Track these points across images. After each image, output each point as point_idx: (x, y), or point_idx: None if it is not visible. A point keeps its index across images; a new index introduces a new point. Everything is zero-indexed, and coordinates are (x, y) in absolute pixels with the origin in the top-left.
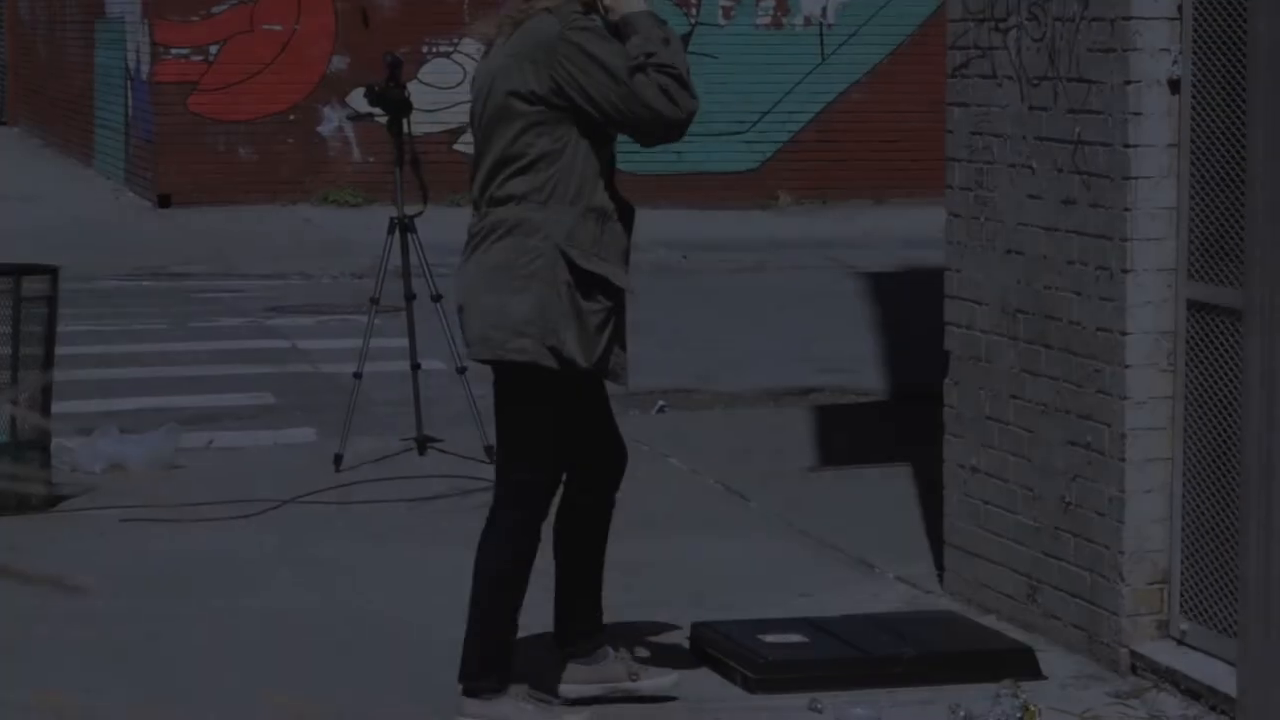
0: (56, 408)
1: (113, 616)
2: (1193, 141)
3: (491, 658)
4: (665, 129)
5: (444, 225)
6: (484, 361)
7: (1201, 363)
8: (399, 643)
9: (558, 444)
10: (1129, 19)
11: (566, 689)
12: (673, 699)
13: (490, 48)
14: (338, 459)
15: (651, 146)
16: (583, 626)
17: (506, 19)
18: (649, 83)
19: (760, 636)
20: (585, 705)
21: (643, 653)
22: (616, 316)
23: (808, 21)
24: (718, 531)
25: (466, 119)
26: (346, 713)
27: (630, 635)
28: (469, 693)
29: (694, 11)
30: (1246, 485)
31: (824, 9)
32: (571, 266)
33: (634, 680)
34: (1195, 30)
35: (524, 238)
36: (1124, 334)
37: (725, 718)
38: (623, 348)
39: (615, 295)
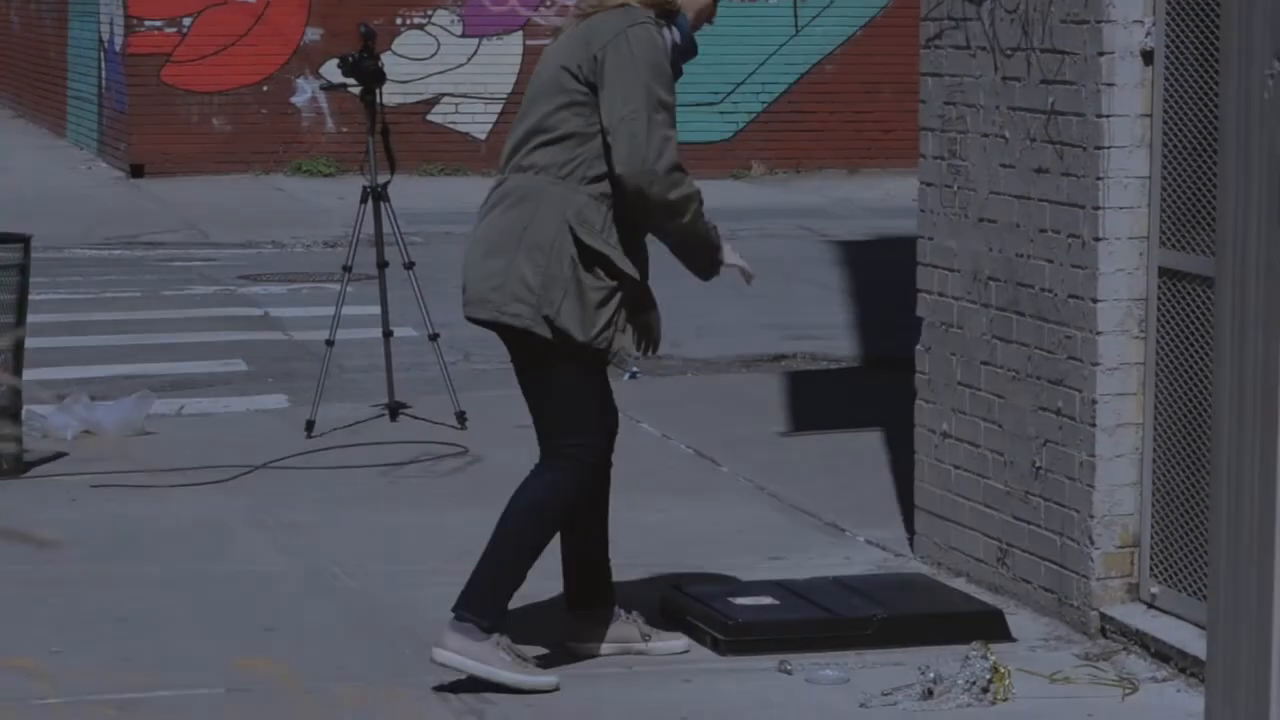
0: (28, 375)
1: (83, 580)
2: (1165, 111)
3: (493, 598)
4: (632, 174)
5: (417, 195)
6: (478, 321)
7: (1173, 329)
8: (370, 607)
9: (598, 404)
10: None
11: (581, 648)
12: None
13: (559, 33)
14: (309, 425)
15: (615, 174)
16: (596, 588)
17: (580, 10)
18: (665, 142)
19: (730, 599)
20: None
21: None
22: (625, 303)
23: None
24: (689, 496)
25: (439, 90)
26: (317, 676)
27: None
28: (458, 619)
29: None
30: (1217, 450)
31: None
32: (577, 241)
33: (646, 642)
34: (1169, 1)
35: (535, 207)
36: (1095, 301)
37: (696, 680)
38: (632, 334)
39: (621, 279)
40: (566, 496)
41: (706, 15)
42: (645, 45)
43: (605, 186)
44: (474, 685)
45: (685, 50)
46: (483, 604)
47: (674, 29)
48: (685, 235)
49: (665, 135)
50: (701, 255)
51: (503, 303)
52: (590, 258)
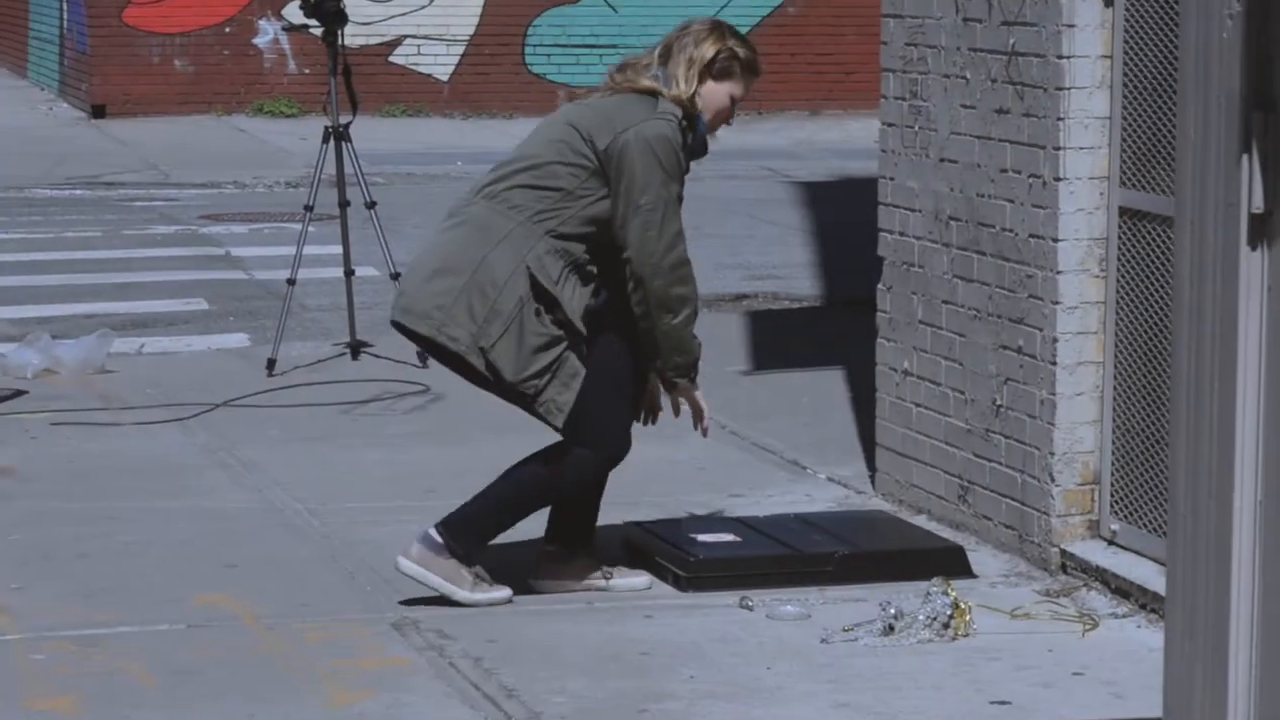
0: None
1: (43, 516)
2: (1126, 52)
3: (476, 533)
4: (641, 262)
5: (379, 136)
6: (408, 333)
7: (1133, 268)
8: (331, 544)
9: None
10: None
11: (544, 585)
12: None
13: (584, 97)
14: (270, 363)
15: (625, 258)
16: (581, 532)
17: (614, 84)
18: (677, 238)
19: (692, 536)
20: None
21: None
22: (566, 353)
23: None
24: (650, 434)
25: (402, 32)
26: (279, 612)
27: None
28: (436, 534)
29: None
30: (1176, 388)
31: None
32: (533, 283)
33: (608, 579)
34: None
35: (497, 240)
36: (1056, 240)
37: (657, 616)
38: (572, 391)
39: (567, 330)
40: (582, 477)
41: (725, 117)
42: (666, 142)
43: (570, 246)
44: (436, 622)
45: (696, 150)
46: (463, 532)
47: (693, 131)
48: (671, 332)
49: (677, 230)
50: (676, 356)
51: (444, 323)
52: (541, 301)
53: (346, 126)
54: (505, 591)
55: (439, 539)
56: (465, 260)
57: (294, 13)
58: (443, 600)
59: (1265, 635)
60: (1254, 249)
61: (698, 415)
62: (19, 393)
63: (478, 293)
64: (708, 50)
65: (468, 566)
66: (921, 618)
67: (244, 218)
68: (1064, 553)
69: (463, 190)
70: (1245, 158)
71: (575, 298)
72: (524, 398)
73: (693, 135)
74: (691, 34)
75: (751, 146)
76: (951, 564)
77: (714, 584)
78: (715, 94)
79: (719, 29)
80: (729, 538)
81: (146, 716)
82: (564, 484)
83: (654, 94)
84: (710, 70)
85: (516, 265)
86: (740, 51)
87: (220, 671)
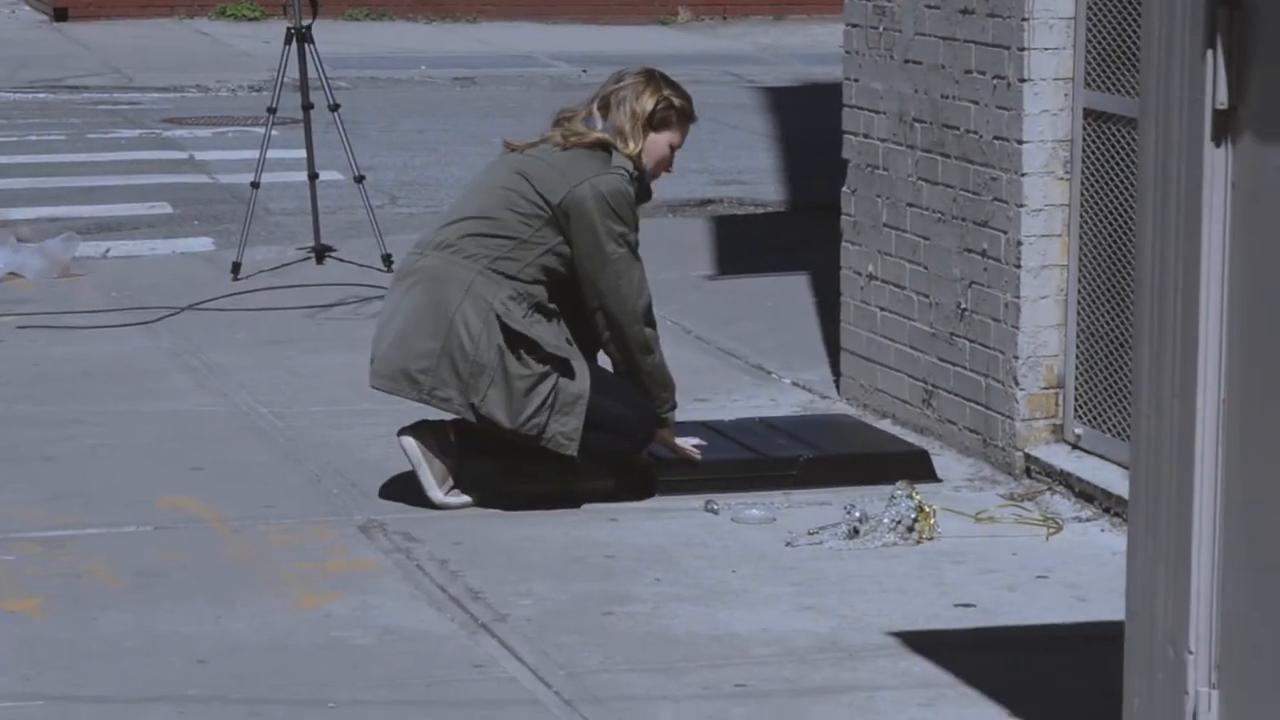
0: None
1: (9, 420)
2: None
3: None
4: (618, 311)
5: (342, 40)
6: (395, 393)
7: (1097, 170)
8: (297, 447)
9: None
10: None
11: (516, 487)
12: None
13: (525, 147)
14: (235, 267)
15: (600, 307)
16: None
17: (562, 140)
18: (643, 283)
19: None
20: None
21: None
22: (558, 384)
23: None
24: None
25: None
26: (245, 515)
27: None
28: (448, 425)
29: None
30: (1140, 287)
31: None
32: (504, 328)
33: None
34: None
35: (461, 293)
36: (1020, 142)
37: (622, 519)
38: (577, 416)
39: (551, 363)
40: (611, 456)
41: (665, 165)
42: (620, 196)
43: (531, 289)
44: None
45: (640, 198)
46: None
47: (640, 182)
48: (655, 371)
49: (641, 276)
50: (662, 391)
51: (434, 386)
52: (517, 344)
53: (307, 28)
54: (465, 499)
55: (453, 440)
56: (435, 321)
57: None
58: (410, 501)
59: (1227, 534)
60: (1218, 145)
61: (683, 454)
62: None
63: (458, 351)
64: (647, 103)
65: (453, 475)
66: (886, 521)
67: (207, 121)
68: (1028, 457)
69: (429, 97)
70: (1209, 53)
71: (548, 331)
72: (530, 439)
73: (638, 186)
74: (629, 87)
75: (716, 51)
76: (916, 468)
77: (679, 488)
78: (656, 144)
79: (653, 79)
80: (694, 441)
81: (113, 618)
82: (598, 456)
83: (604, 146)
84: (650, 123)
85: (486, 315)
86: (676, 101)
87: (186, 574)
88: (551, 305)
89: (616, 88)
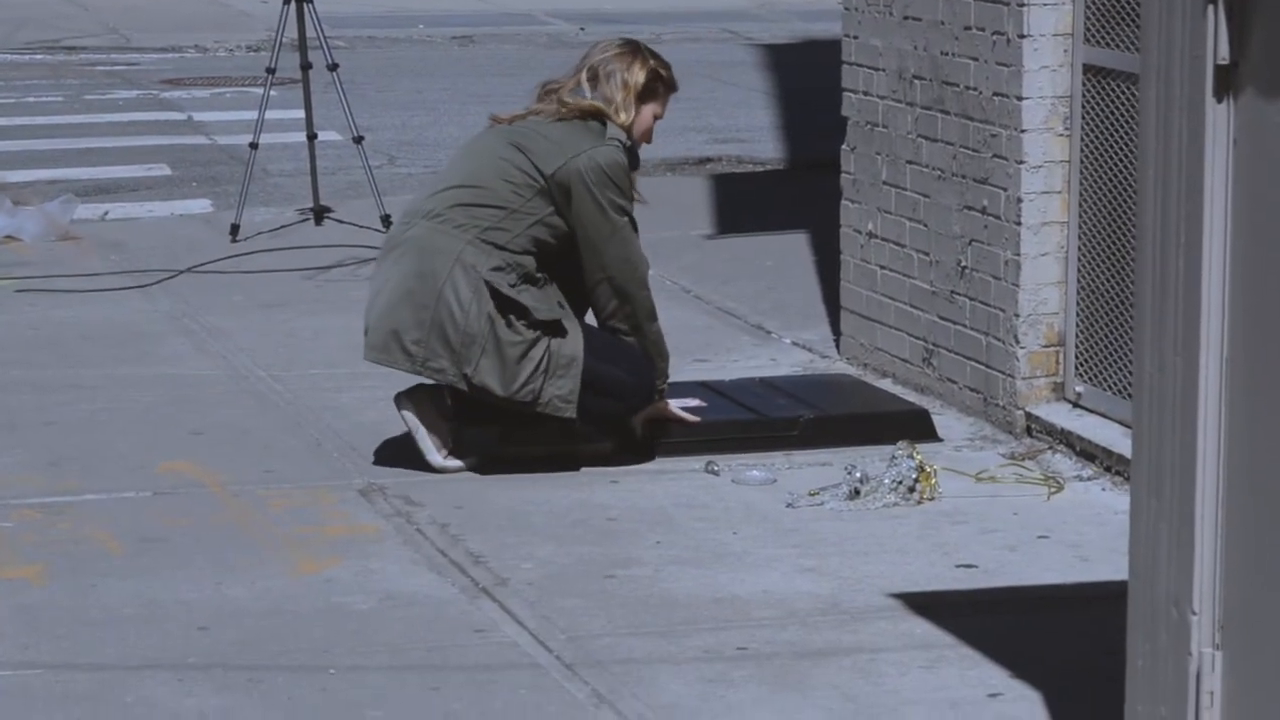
0: None
1: (6, 385)
2: None
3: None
4: (625, 279)
5: None
6: (391, 365)
7: (1097, 126)
8: (296, 410)
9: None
10: None
11: (514, 450)
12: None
13: (513, 119)
14: (234, 229)
15: (606, 277)
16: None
17: (559, 111)
18: (642, 251)
19: None
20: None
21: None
22: (550, 347)
23: None
24: None
25: None
26: (244, 479)
27: None
28: (449, 399)
29: None
30: (1141, 243)
31: None
32: (494, 294)
33: (574, 443)
34: None
35: (450, 262)
36: (1020, 99)
37: (623, 481)
38: (572, 378)
39: (543, 328)
40: (613, 418)
41: (647, 136)
42: (618, 167)
43: (521, 259)
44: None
45: (632, 165)
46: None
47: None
48: (657, 339)
49: (640, 246)
50: (661, 361)
51: (426, 358)
52: (509, 310)
53: None
54: (458, 462)
55: (449, 404)
56: (425, 291)
57: None
58: (410, 465)
59: (1231, 493)
60: (1219, 101)
61: (678, 420)
62: None
63: (449, 321)
64: (639, 75)
65: (452, 439)
66: (887, 481)
67: (206, 82)
68: (1029, 415)
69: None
70: (1211, 8)
71: (538, 297)
72: (526, 405)
73: (629, 155)
74: (615, 58)
75: (714, 8)
76: (917, 427)
77: (680, 448)
78: (643, 115)
79: (639, 50)
80: (694, 402)
81: (113, 584)
82: (596, 420)
83: (597, 115)
84: (641, 94)
85: (475, 284)
86: (663, 72)
87: (186, 539)
88: (540, 274)
89: (603, 58)
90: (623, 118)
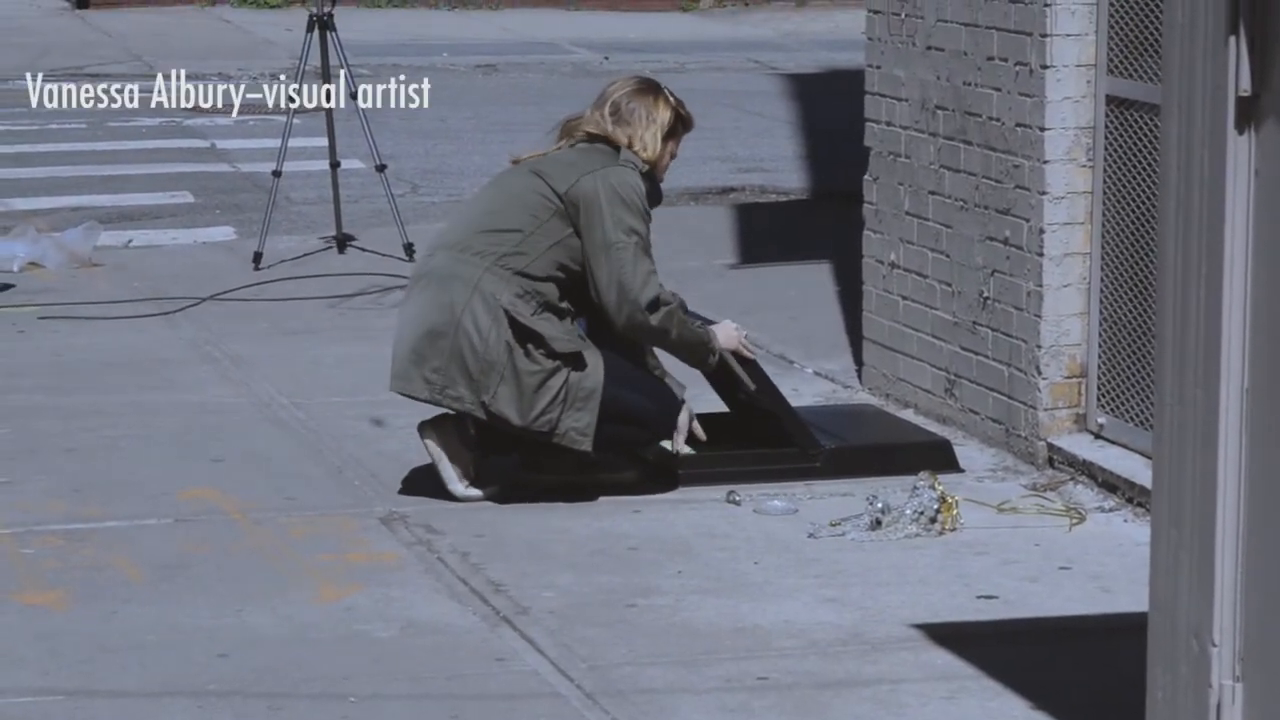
0: None
1: (30, 412)
2: None
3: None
4: (619, 301)
5: (364, 28)
6: (414, 398)
7: (1120, 158)
8: (318, 438)
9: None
10: None
11: (536, 479)
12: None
13: (533, 159)
14: (257, 257)
15: (600, 299)
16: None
17: (579, 137)
18: (650, 275)
19: None
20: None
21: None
22: (569, 379)
23: None
24: None
25: None
26: (266, 506)
27: None
28: (471, 427)
29: None
30: (1163, 275)
31: None
32: (512, 324)
33: (596, 473)
34: None
35: (468, 291)
36: (1043, 129)
37: (645, 511)
38: (590, 411)
39: (562, 360)
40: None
41: (663, 173)
42: (630, 187)
43: (541, 287)
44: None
45: (654, 198)
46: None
47: (651, 183)
48: (678, 342)
49: (650, 269)
50: (694, 354)
51: (445, 385)
52: (525, 339)
53: (329, 15)
54: (478, 492)
55: (473, 433)
56: (445, 320)
57: None
58: (431, 493)
59: (1252, 525)
60: (1241, 132)
61: (744, 352)
62: (5, 286)
63: (468, 350)
64: (665, 114)
65: (474, 468)
66: (909, 512)
67: (229, 109)
68: (1051, 446)
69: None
70: (1233, 39)
71: (557, 328)
72: (543, 436)
73: (650, 185)
74: (636, 95)
75: (738, 38)
76: (938, 458)
77: (702, 478)
78: (664, 152)
79: (659, 90)
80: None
81: (135, 610)
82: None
83: (612, 142)
84: (666, 133)
85: (495, 312)
86: (681, 111)
87: (207, 566)
88: (563, 304)
89: (624, 95)
90: (648, 154)
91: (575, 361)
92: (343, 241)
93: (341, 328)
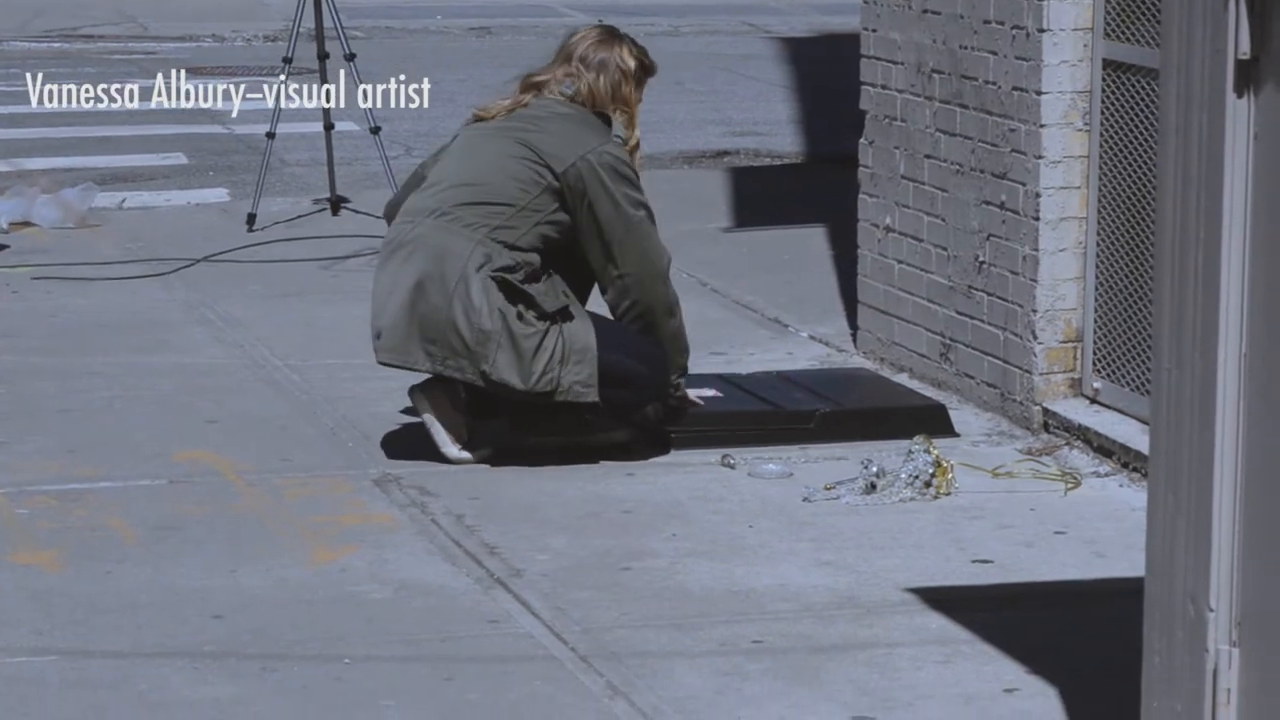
0: None
1: (24, 372)
2: None
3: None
4: (648, 274)
5: None
6: (405, 368)
7: (1116, 122)
8: (312, 399)
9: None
10: None
11: (529, 441)
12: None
13: (498, 114)
14: (250, 218)
15: (628, 272)
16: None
17: (545, 101)
18: (663, 246)
19: None
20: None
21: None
22: (563, 334)
23: None
24: None
25: None
26: (260, 468)
27: None
28: (463, 393)
29: None
30: (1160, 239)
31: None
32: (503, 287)
33: (589, 434)
34: None
35: (459, 263)
36: (1039, 93)
37: (639, 474)
38: (589, 364)
39: (552, 318)
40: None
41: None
42: (625, 161)
43: (529, 257)
44: (416, 478)
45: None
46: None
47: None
48: (676, 334)
49: (659, 239)
50: (680, 357)
51: (445, 357)
52: (519, 302)
53: None
54: (469, 455)
55: (464, 396)
56: (438, 291)
57: None
58: (425, 455)
59: (1249, 490)
60: (1240, 96)
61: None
62: (0, 247)
63: (463, 321)
64: (629, 61)
65: (467, 430)
66: (904, 476)
67: (223, 71)
68: (1046, 411)
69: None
70: (1231, 2)
71: (544, 288)
72: (547, 397)
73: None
74: (601, 44)
75: (733, 1)
76: (934, 422)
77: (696, 441)
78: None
79: (620, 37)
80: (711, 394)
81: (129, 571)
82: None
83: (598, 110)
84: (636, 80)
85: (485, 282)
86: (645, 59)
87: (201, 527)
88: (545, 273)
89: (587, 48)
90: (627, 104)
91: (565, 316)
92: (336, 203)
93: (335, 289)
